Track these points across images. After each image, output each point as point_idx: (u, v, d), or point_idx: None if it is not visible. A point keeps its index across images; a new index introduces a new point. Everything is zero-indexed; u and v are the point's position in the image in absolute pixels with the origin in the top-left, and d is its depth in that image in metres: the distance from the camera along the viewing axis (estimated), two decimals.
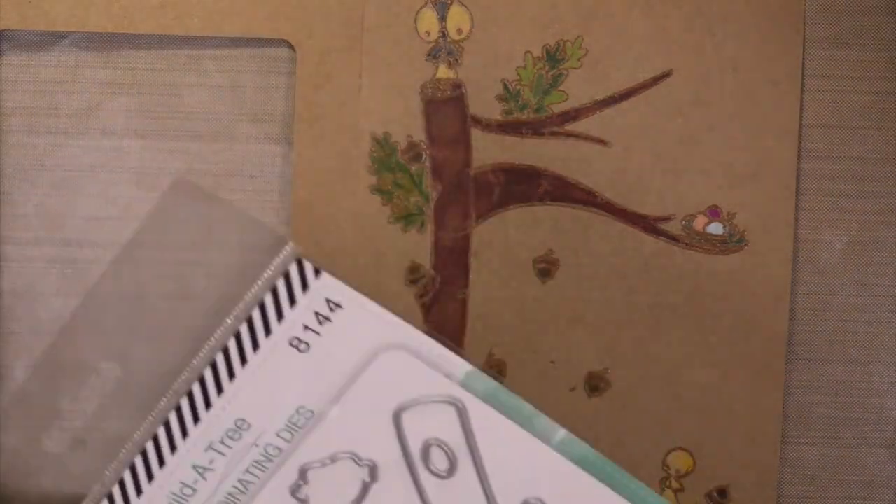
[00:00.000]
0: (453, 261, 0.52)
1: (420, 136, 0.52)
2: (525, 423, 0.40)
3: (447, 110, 0.52)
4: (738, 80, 0.53)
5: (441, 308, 0.52)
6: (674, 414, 0.53)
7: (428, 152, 0.52)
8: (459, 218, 0.52)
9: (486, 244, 0.52)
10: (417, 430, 0.40)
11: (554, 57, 0.52)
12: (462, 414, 0.40)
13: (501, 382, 0.40)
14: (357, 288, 0.41)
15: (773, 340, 0.53)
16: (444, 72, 0.53)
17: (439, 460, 0.40)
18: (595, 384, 0.53)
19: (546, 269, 0.53)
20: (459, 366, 0.40)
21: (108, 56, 0.53)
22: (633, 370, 0.53)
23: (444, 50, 0.52)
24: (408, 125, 0.52)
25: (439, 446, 0.40)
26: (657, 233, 0.53)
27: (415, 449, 0.40)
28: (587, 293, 0.53)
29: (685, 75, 0.52)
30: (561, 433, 0.40)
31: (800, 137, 0.54)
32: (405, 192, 0.52)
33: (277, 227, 0.54)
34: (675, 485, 0.53)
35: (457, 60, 0.52)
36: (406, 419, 0.40)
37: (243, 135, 0.54)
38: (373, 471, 0.40)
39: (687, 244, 0.53)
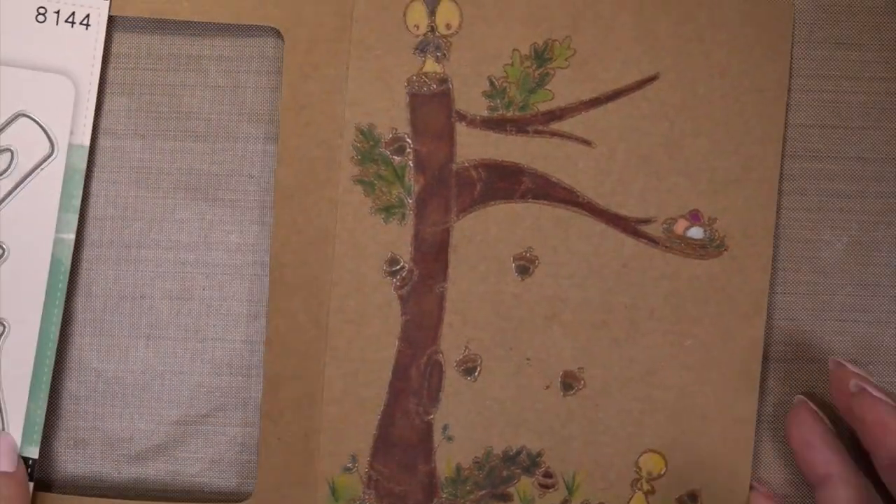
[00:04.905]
0: (432, 254, 0.53)
1: (405, 128, 0.53)
2: None
3: (433, 104, 0.52)
4: (724, 85, 0.52)
5: (418, 301, 0.53)
6: (647, 416, 0.53)
7: (412, 145, 0.53)
8: (440, 212, 0.53)
9: (466, 239, 0.53)
10: None
11: (541, 56, 0.52)
12: None
13: None
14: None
15: (749, 346, 0.53)
16: (431, 66, 0.53)
17: None
18: (569, 383, 0.53)
19: (525, 266, 0.53)
20: None
21: (108, 56, 0.54)
22: (608, 370, 0.53)
23: (432, 44, 0.53)
24: (393, 117, 0.53)
25: None
26: (637, 235, 0.52)
27: None
28: (565, 292, 0.53)
29: (672, 79, 0.52)
30: None
31: (791, 139, 0.54)
32: (387, 184, 0.53)
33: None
34: (646, 487, 0.53)
35: (444, 55, 0.52)
36: None
37: (243, 135, 0.54)
38: None
39: (666, 247, 0.52)
